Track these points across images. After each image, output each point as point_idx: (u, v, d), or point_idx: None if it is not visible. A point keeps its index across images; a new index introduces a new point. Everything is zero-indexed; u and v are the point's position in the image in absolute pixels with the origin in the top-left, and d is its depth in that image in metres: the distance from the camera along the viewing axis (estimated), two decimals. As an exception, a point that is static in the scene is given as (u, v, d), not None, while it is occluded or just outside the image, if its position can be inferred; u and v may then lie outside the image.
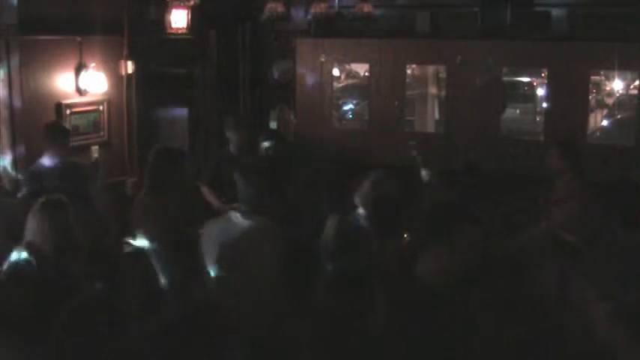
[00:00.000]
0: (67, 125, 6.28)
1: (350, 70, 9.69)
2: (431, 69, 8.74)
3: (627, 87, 8.53)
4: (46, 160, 5.49)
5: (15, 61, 6.17)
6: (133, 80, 7.16)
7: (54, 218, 3.78)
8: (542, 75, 8.35)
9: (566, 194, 5.24)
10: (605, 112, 9.08)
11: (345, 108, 9.43)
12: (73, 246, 3.80)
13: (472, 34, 7.66)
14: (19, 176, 6.04)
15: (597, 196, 5.03)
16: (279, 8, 7.83)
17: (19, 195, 5.62)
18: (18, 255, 3.72)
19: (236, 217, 3.87)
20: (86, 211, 5.00)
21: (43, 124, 5.89)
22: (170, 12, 7.49)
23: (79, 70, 6.66)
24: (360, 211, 4.26)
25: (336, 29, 8.11)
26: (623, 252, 3.51)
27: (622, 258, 3.36)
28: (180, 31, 7.62)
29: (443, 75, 8.12)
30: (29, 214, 3.84)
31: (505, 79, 8.04)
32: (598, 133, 8.39)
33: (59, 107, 6.51)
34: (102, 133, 6.99)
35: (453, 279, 2.66)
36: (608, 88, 9.11)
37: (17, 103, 6.23)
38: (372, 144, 7.90)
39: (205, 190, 5.96)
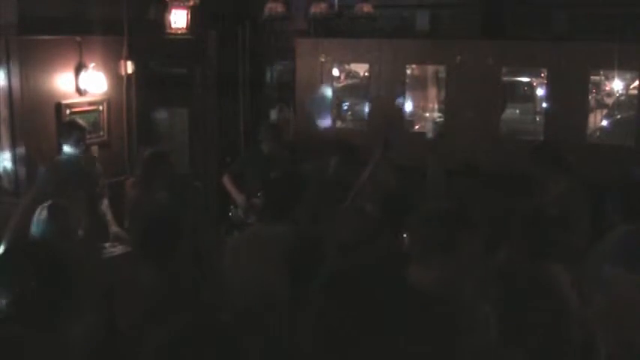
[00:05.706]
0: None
1: (350, 70, 9.69)
2: (431, 69, 8.73)
3: (627, 87, 8.52)
4: (63, 157, 5.69)
5: (15, 61, 6.17)
6: (132, 80, 7.15)
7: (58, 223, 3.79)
8: (542, 75, 8.34)
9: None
10: (605, 112, 9.07)
11: (345, 108, 9.43)
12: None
13: (472, 34, 7.65)
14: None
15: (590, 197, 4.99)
16: (279, 8, 7.81)
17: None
18: None
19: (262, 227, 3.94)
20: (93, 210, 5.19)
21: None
22: (170, 12, 7.48)
23: (78, 70, 6.64)
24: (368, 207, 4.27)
25: (336, 29, 8.11)
26: None
27: None
28: (180, 31, 7.60)
29: (443, 75, 8.11)
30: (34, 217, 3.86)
31: (505, 79, 8.03)
32: (598, 133, 8.39)
33: (59, 107, 6.50)
34: (101, 133, 6.98)
35: (447, 291, 2.44)
36: (608, 88, 9.11)
37: (17, 103, 6.23)
38: (372, 144, 7.88)
39: (227, 180, 6.27)
